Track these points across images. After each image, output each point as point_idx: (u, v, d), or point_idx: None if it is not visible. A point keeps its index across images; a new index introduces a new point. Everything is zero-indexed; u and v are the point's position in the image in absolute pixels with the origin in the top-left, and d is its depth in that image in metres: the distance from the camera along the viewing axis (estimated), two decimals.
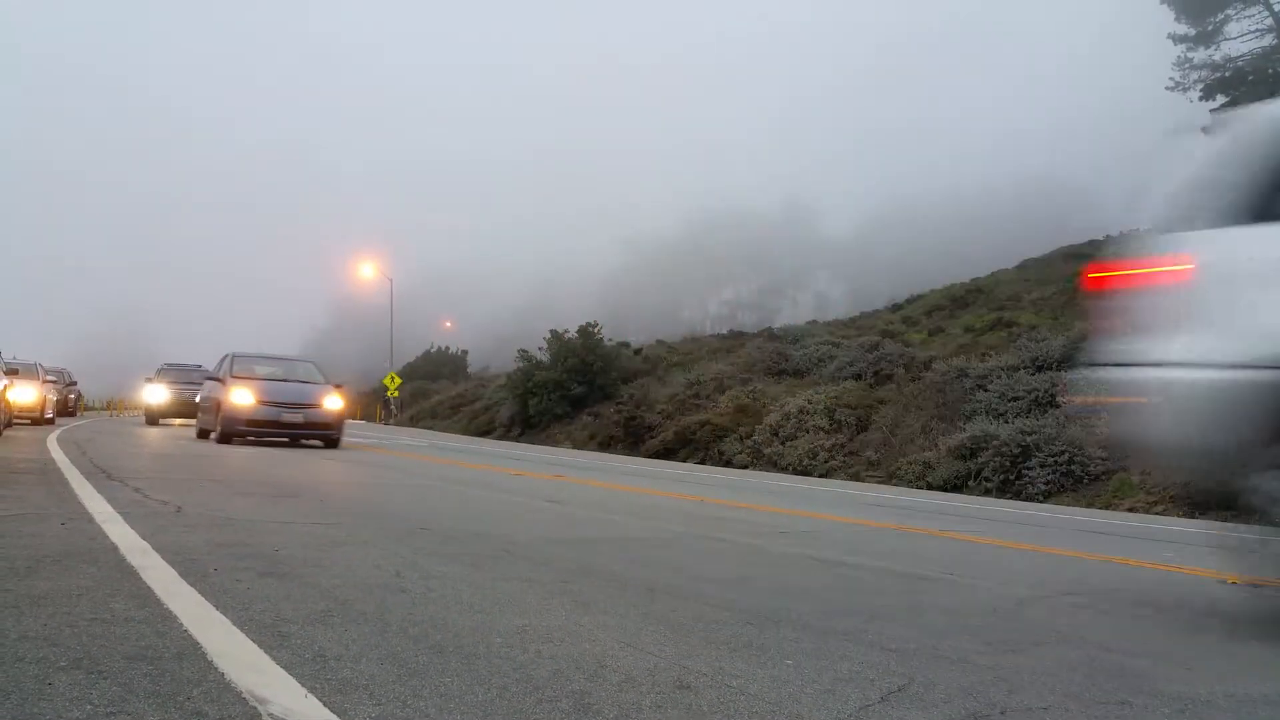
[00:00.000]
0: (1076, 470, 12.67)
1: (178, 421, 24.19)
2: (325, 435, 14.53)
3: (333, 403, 14.75)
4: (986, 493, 13.21)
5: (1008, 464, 13.38)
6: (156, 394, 24.13)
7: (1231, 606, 3.96)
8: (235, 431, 13.93)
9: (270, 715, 1.79)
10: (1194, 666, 2.73)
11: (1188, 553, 6.34)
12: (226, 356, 16.02)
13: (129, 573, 3.13)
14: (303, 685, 1.99)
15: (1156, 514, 10.87)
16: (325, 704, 1.87)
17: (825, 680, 2.30)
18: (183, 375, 25.65)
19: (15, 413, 17.34)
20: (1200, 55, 33.58)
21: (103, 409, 50.39)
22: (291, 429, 14.24)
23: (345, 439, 16.77)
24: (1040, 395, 15.13)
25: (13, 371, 15.34)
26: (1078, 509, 11.25)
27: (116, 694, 1.86)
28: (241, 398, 13.94)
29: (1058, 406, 14.37)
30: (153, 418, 24.15)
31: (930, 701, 2.16)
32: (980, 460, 13.79)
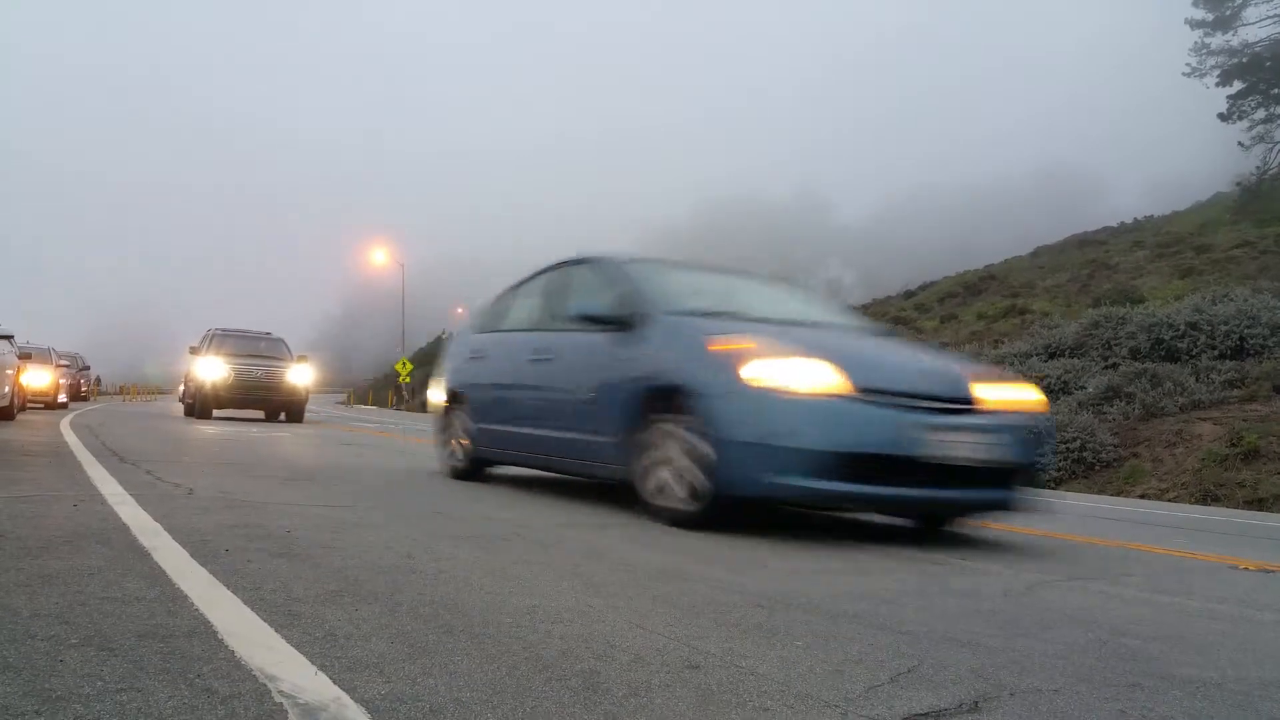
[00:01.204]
0: (1088, 457, 12.62)
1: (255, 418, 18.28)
2: (1006, 500, 4.81)
3: (1019, 395, 5.03)
4: None
5: None
6: (212, 369, 16.64)
7: (1243, 592, 3.94)
8: (807, 494, 4.39)
9: (280, 692, 1.79)
10: (1206, 651, 2.71)
11: (1200, 539, 6.32)
12: (651, 261, 6.22)
13: (140, 553, 3.14)
14: (313, 663, 1.99)
15: (1169, 500, 10.83)
16: (335, 681, 1.88)
17: (834, 661, 2.29)
18: (247, 345, 18.47)
19: (29, 397, 17.45)
20: (1217, 41, 33.31)
21: (115, 393, 50.70)
22: (961, 491, 4.63)
23: (351, 423, 14.86)
24: (1053, 382, 15.07)
25: (26, 356, 15.39)
26: (1089, 495, 11.21)
27: (127, 670, 1.87)
28: (813, 377, 4.35)
29: (1070, 393, 14.32)
30: (205, 406, 16.82)
31: (939, 683, 2.16)
32: None
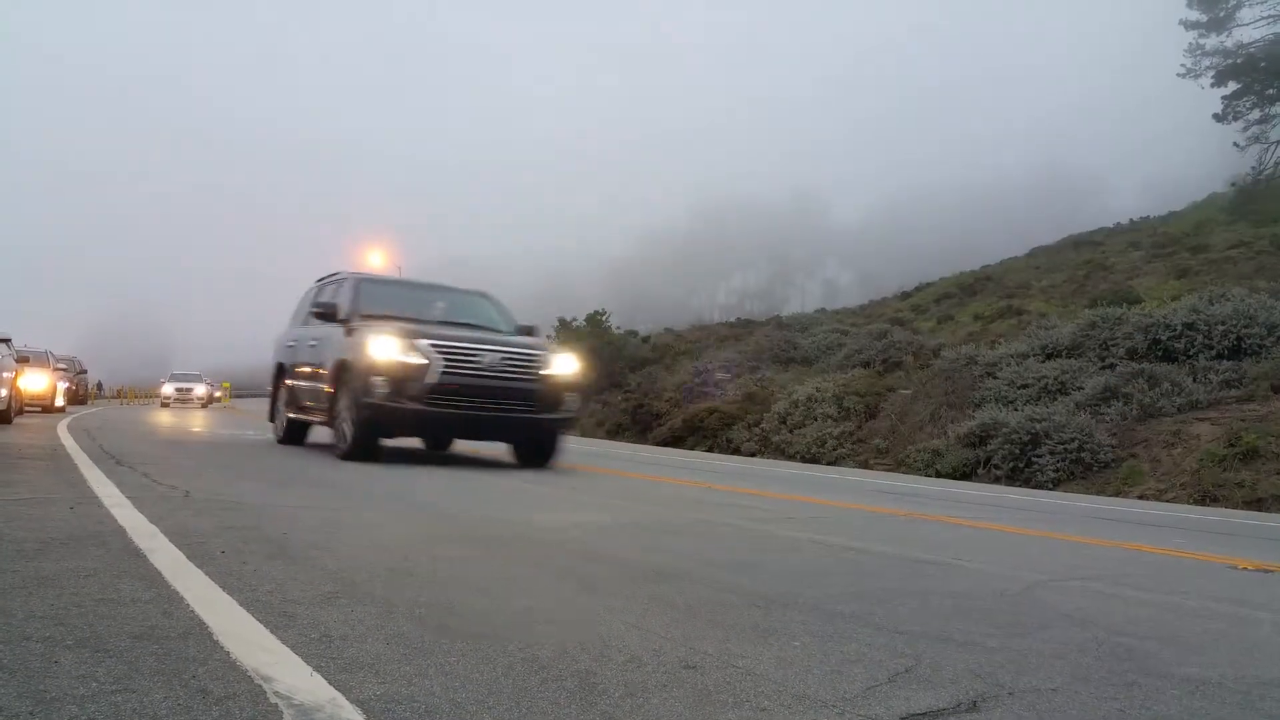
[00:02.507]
0: (1086, 458, 12.62)
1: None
2: None
3: None
4: (995, 480, 13.19)
5: (1017, 451, 13.35)
6: (382, 348, 7.85)
7: (1240, 592, 3.94)
8: None
9: (276, 693, 1.78)
10: (1203, 650, 2.71)
11: (1197, 539, 6.32)
12: None
13: (136, 555, 3.13)
14: (308, 664, 1.98)
15: (1167, 501, 10.83)
16: (330, 682, 1.87)
17: (832, 661, 2.29)
18: (424, 302, 9.63)
19: (26, 400, 17.42)
20: (1212, 42, 33.34)
21: (113, 397, 50.60)
22: None
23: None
24: (1050, 383, 15.08)
25: (24, 359, 15.36)
26: (1087, 496, 11.21)
27: (122, 672, 1.87)
28: None
29: (1067, 394, 14.32)
30: (373, 428, 8.04)
31: (937, 682, 2.15)
32: (989, 448, 13.75)
